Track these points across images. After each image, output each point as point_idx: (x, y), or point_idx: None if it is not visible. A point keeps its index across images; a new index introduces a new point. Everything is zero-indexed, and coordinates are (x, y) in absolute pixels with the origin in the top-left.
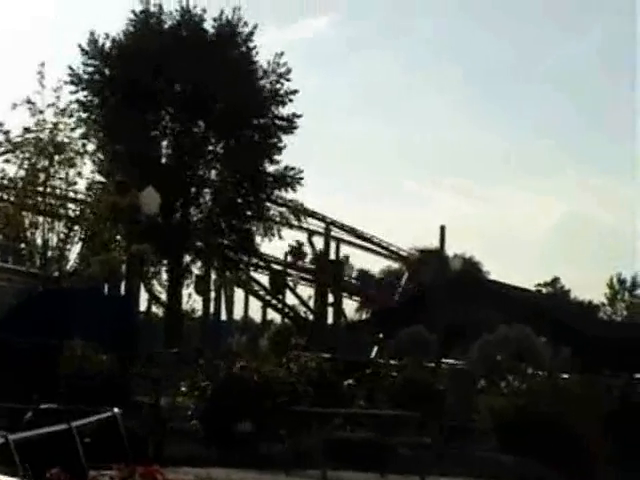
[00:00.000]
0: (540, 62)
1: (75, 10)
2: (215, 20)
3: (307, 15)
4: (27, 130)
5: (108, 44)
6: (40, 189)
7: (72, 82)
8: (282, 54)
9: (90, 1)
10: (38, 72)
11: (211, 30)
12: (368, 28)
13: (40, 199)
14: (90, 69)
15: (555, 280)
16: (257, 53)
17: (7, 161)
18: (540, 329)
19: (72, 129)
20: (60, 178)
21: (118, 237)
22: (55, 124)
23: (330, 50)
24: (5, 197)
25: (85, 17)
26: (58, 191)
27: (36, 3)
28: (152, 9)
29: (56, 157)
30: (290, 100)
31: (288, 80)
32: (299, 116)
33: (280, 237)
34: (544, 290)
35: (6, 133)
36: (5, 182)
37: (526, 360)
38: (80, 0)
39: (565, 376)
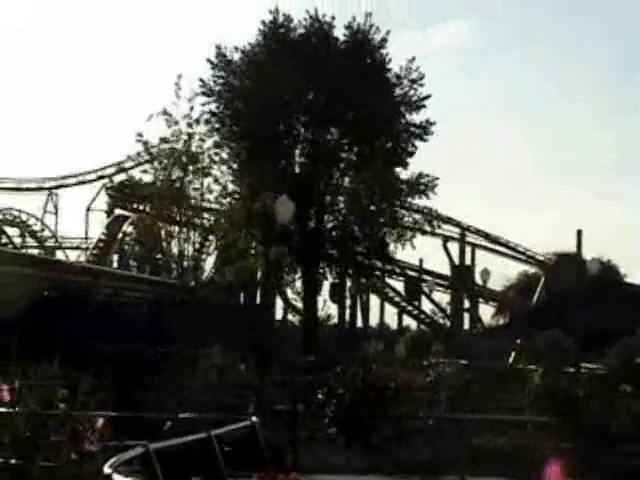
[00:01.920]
0: None
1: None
2: (346, 28)
3: (446, 19)
4: (164, 140)
5: (236, 56)
6: (175, 200)
7: (204, 93)
8: (414, 59)
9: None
10: (175, 83)
11: (342, 38)
12: (505, 32)
13: (175, 209)
14: (220, 81)
15: None
16: (390, 60)
17: (145, 172)
18: None
19: (203, 140)
20: (195, 188)
21: (253, 244)
22: (190, 135)
23: (468, 54)
24: (142, 208)
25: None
26: (193, 201)
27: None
28: (280, 19)
29: (190, 167)
30: (423, 106)
31: (422, 85)
32: (433, 123)
33: (413, 246)
34: None
35: (145, 143)
36: (142, 193)
37: None
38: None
39: None
